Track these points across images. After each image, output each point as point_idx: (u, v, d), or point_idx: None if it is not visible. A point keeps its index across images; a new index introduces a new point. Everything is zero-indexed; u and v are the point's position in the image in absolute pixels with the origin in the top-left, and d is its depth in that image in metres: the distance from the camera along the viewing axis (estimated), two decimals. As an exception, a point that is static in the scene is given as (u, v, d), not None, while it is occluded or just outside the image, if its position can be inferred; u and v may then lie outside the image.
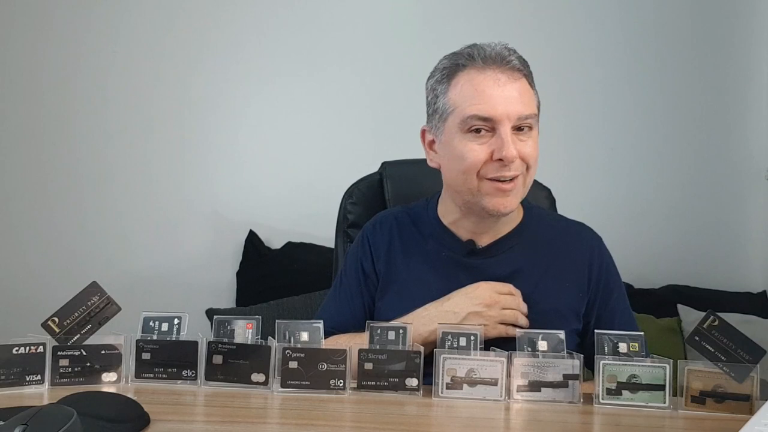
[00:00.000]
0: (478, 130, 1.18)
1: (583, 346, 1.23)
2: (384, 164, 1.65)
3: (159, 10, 2.84)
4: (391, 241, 1.33)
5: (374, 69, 2.85)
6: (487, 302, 1.19)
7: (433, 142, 1.28)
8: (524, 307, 1.21)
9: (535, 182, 1.59)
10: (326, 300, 1.38)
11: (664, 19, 2.92)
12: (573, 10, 2.91)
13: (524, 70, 1.22)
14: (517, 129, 1.19)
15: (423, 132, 1.31)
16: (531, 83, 1.24)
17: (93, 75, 2.82)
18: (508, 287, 1.21)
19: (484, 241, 1.29)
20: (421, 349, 1.05)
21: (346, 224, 1.59)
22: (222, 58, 2.85)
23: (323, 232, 2.49)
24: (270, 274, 2.69)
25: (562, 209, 1.56)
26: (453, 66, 1.22)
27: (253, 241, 2.78)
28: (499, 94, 1.17)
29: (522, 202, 1.35)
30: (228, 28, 2.85)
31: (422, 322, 1.18)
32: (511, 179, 1.19)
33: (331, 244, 1.63)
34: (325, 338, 1.09)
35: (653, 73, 2.91)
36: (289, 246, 2.78)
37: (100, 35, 2.82)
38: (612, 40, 2.91)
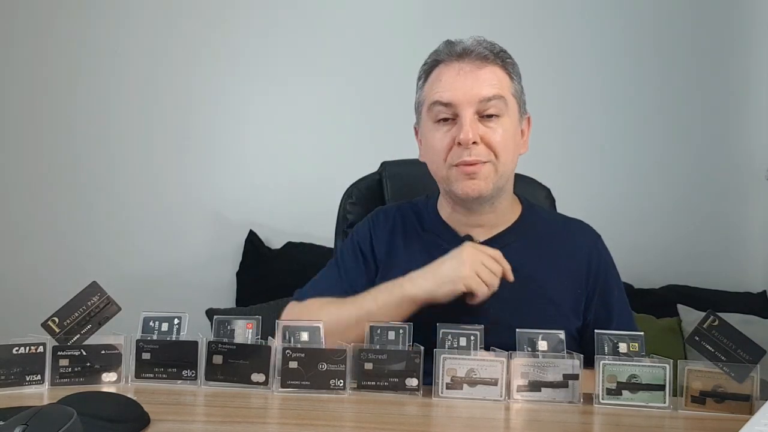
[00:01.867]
0: (445, 120, 1.22)
1: (582, 344, 1.23)
2: (384, 164, 1.65)
3: (161, 11, 2.84)
4: (394, 228, 1.35)
5: (374, 69, 2.85)
6: (473, 257, 1.17)
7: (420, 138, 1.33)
8: (508, 266, 1.19)
9: (535, 182, 1.59)
10: (318, 275, 1.38)
11: (663, 19, 2.93)
12: (571, 10, 2.91)
13: (494, 59, 1.23)
14: (486, 116, 1.21)
15: (415, 129, 1.35)
16: (508, 72, 1.25)
17: (94, 75, 2.82)
18: (493, 251, 1.19)
19: (480, 236, 1.29)
20: (421, 349, 1.05)
21: (345, 224, 1.59)
22: (222, 59, 2.85)
23: (323, 232, 2.48)
24: (270, 274, 2.69)
25: (561, 209, 1.56)
26: (431, 62, 1.27)
27: (253, 241, 2.78)
28: (460, 81, 1.21)
29: (520, 200, 1.35)
30: (229, 30, 2.85)
31: (420, 274, 1.18)
32: (475, 163, 1.20)
33: (331, 244, 1.63)
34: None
35: (654, 73, 2.92)
36: (289, 246, 2.78)
37: (102, 36, 2.83)
38: (613, 40, 2.91)
